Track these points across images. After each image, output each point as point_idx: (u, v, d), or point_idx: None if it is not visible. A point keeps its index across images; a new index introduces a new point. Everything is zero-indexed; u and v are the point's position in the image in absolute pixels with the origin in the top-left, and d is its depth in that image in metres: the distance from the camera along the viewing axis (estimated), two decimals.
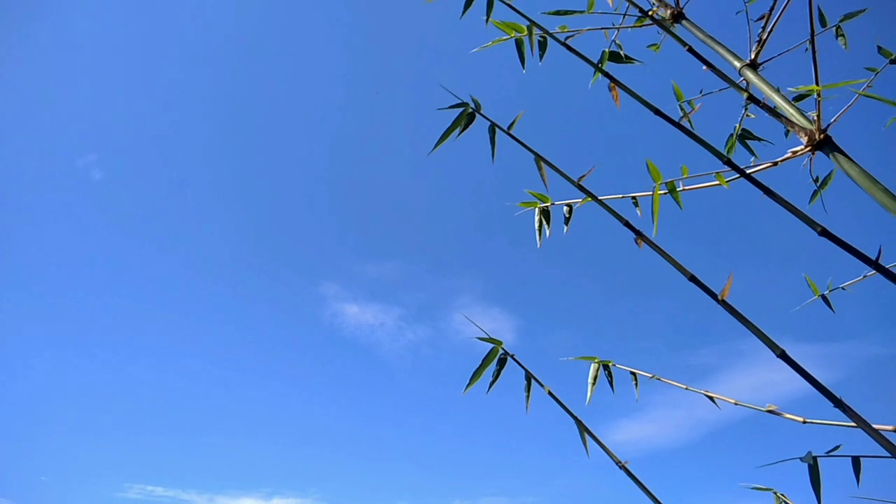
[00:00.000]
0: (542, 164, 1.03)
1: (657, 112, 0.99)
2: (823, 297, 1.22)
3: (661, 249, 0.89)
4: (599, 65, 1.14)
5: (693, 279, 0.87)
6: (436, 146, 1.09)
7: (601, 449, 1.01)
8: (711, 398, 1.12)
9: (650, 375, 1.24)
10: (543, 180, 1.05)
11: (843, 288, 1.20)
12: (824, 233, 0.87)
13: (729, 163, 0.93)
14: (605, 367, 1.33)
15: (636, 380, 1.27)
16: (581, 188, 0.97)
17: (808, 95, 1.21)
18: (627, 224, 0.93)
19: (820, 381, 0.80)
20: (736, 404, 1.09)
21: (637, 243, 0.95)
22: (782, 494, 1.48)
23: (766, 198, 0.91)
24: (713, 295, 0.85)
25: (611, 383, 1.32)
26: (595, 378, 1.32)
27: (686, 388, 1.16)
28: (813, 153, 1.04)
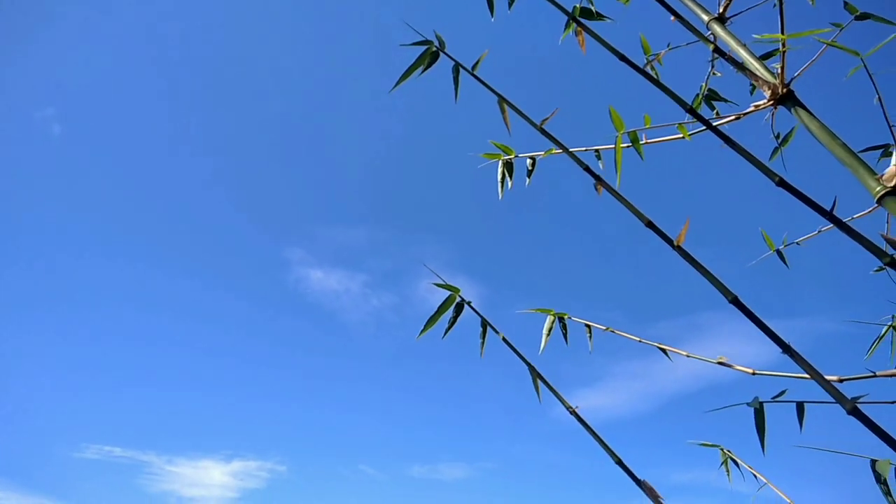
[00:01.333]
0: (505, 106, 1.01)
1: (622, 58, 0.97)
2: (778, 252, 1.24)
3: (619, 195, 0.88)
4: (571, 16, 1.11)
5: (650, 225, 0.86)
6: (397, 83, 1.06)
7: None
8: (664, 350, 1.13)
9: (604, 328, 1.25)
10: (506, 123, 1.03)
11: (797, 243, 1.23)
12: (781, 183, 0.87)
13: (692, 112, 0.92)
14: (560, 319, 1.33)
15: (590, 332, 1.28)
16: (543, 132, 0.96)
17: (775, 54, 1.21)
18: (587, 168, 0.92)
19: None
20: (688, 356, 1.10)
21: (596, 189, 0.94)
22: (728, 451, 1.52)
23: (726, 148, 0.91)
24: (669, 241, 0.84)
25: (565, 335, 1.32)
26: (550, 329, 1.32)
27: (639, 341, 1.17)
28: (775, 107, 1.03)
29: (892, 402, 0.81)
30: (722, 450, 1.49)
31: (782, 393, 0.84)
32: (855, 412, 0.75)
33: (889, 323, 1.44)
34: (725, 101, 1.51)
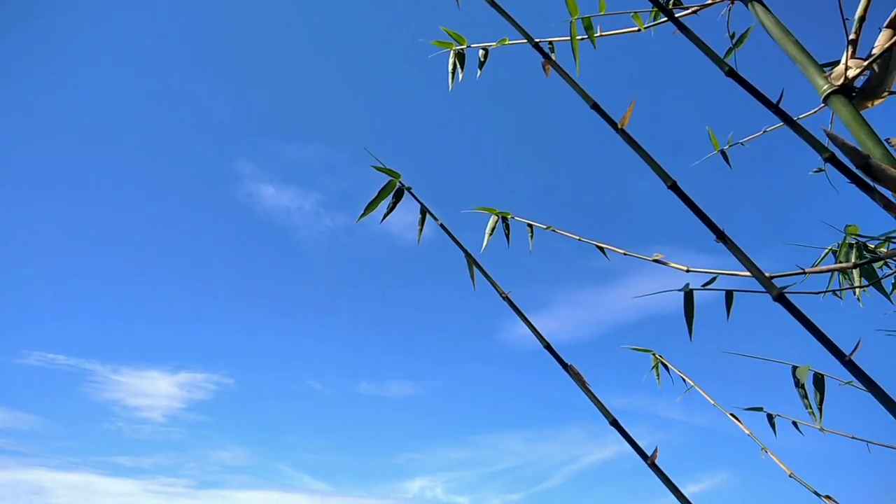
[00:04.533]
0: None
1: None
2: (723, 153, 1.24)
3: (566, 74, 0.84)
4: None
5: (595, 107, 0.83)
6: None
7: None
8: (601, 248, 1.12)
9: (545, 227, 1.24)
10: None
11: (742, 143, 1.22)
12: (731, 73, 0.85)
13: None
14: (504, 219, 1.31)
15: (532, 231, 1.27)
16: (493, 4, 0.90)
17: None
18: (536, 45, 0.88)
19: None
20: (625, 254, 1.10)
21: (544, 68, 0.90)
22: (660, 356, 1.56)
23: (679, 35, 0.88)
24: (613, 124, 0.82)
25: (507, 235, 1.31)
26: (493, 229, 1.31)
27: (579, 239, 1.17)
28: (732, 2, 1.00)
29: (818, 293, 0.82)
30: (654, 354, 1.53)
31: (713, 280, 0.84)
32: (780, 299, 0.76)
33: (829, 247, 1.47)
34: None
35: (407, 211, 1.15)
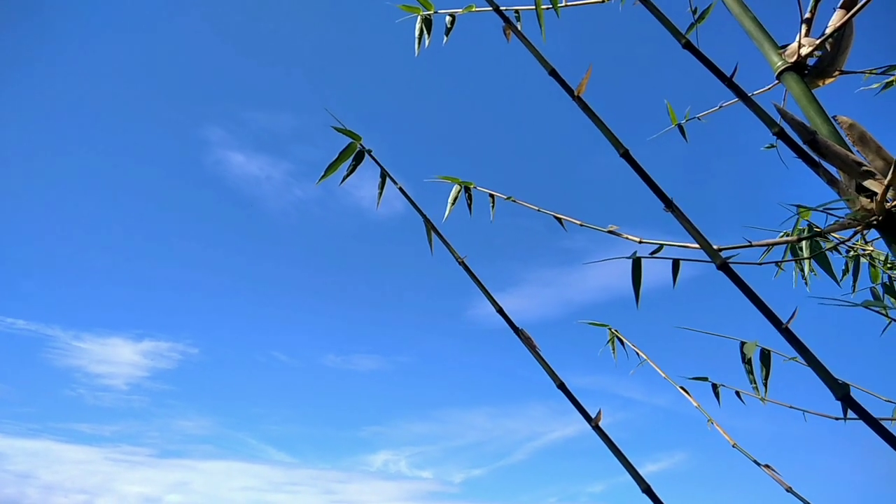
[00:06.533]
0: None
1: None
2: (679, 127, 1.25)
3: (526, 39, 0.85)
4: None
5: (553, 73, 0.84)
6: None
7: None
8: (559, 219, 1.14)
9: (505, 197, 1.25)
10: None
11: (698, 118, 1.24)
12: (687, 45, 0.85)
13: None
14: (467, 189, 1.32)
15: (493, 201, 1.28)
16: None
17: None
18: (498, 11, 0.88)
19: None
20: (581, 225, 1.11)
21: (505, 33, 0.90)
22: (615, 330, 1.59)
23: (639, 6, 0.88)
24: (570, 91, 0.83)
25: (469, 205, 1.32)
26: (455, 198, 1.31)
27: (538, 210, 1.18)
28: None
29: (758, 264, 0.84)
30: (609, 329, 1.55)
31: (660, 248, 0.86)
32: (724, 267, 0.78)
33: (781, 232, 1.50)
34: None
35: (377, 183, 1.15)
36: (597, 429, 0.84)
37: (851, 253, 1.43)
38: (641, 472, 0.85)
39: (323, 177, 1.07)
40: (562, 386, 0.86)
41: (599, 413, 0.83)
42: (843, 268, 1.48)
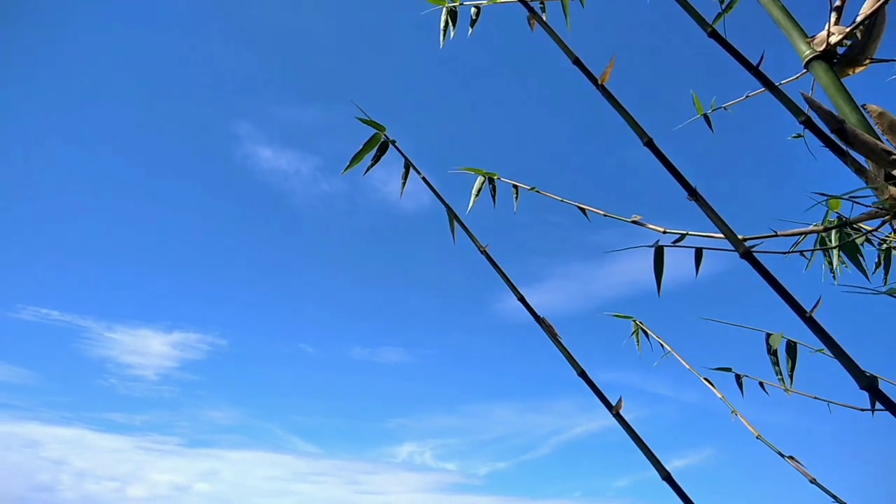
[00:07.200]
0: None
1: None
2: (705, 117, 1.24)
3: (550, 29, 0.85)
4: None
5: (577, 62, 0.84)
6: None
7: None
8: (583, 209, 1.14)
9: (529, 188, 1.25)
10: None
11: (725, 108, 1.23)
12: (713, 34, 0.85)
13: None
14: (490, 180, 1.32)
15: (517, 192, 1.28)
16: None
17: None
18: (523, 1, 0.88)
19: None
20: (605, 215, 1.11)
21: (529, 23, 0.91)
22: (640, 322, 1.58)
23: None
24: (594, 79, 0.83)
25: (493, 196, 1.32)
26: (479, 190, 1.32)
27: (561, 200, 1.18)
28: None
29: (782, 253, 0.84)
30: (634, 321, 1.55)
31: (683, 237, 0.86)
32: (748, 256, 0.77)
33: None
34: None
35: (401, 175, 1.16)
36: (617, 416, 0.84)
37: (884, 246, 1.40)
38: (668, 467, 0.85)
39: (348, 167, 1.09)
40: (583, 374, 0.87)
41: (620, 401, 0.83)
42: (876, 261, 1.45)
